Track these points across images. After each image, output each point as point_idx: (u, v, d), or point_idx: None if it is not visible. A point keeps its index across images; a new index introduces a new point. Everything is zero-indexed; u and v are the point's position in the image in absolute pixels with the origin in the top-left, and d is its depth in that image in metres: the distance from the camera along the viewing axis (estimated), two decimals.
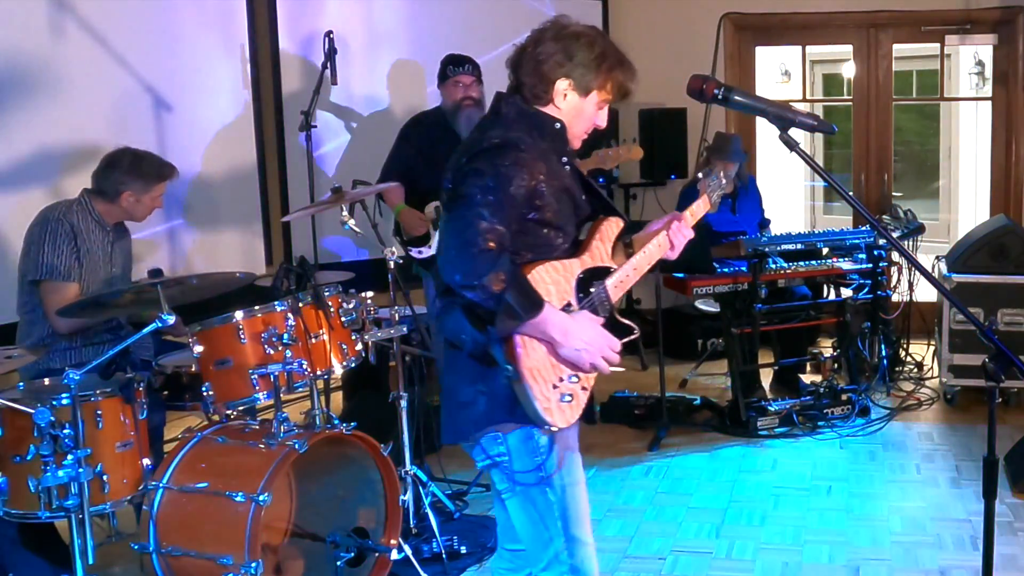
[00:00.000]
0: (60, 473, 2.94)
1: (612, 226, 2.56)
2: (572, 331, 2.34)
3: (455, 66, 4.99)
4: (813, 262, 5.50)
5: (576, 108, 2.49)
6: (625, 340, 2.51)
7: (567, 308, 2.41)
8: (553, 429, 2.40)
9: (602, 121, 2.56)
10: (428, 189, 4.88)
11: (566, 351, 2.35)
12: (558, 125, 2.49)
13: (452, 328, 2.39)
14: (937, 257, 5.95)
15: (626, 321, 2.54)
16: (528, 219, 2.38)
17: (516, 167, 2.33)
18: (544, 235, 2.42)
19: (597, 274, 2.49)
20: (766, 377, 5.88)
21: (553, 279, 2.40)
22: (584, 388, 2.44)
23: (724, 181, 2.81)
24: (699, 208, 2.75)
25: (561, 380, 2.38)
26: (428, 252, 4.92)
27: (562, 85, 2.46)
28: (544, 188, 2.38)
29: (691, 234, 2.63)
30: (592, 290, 2.47)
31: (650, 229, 2.63)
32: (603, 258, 2.52)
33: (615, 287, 2.51)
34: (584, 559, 2.50)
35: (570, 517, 2.48)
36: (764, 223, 6.01)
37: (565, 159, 2.51)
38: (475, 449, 2.49)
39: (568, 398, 2.39)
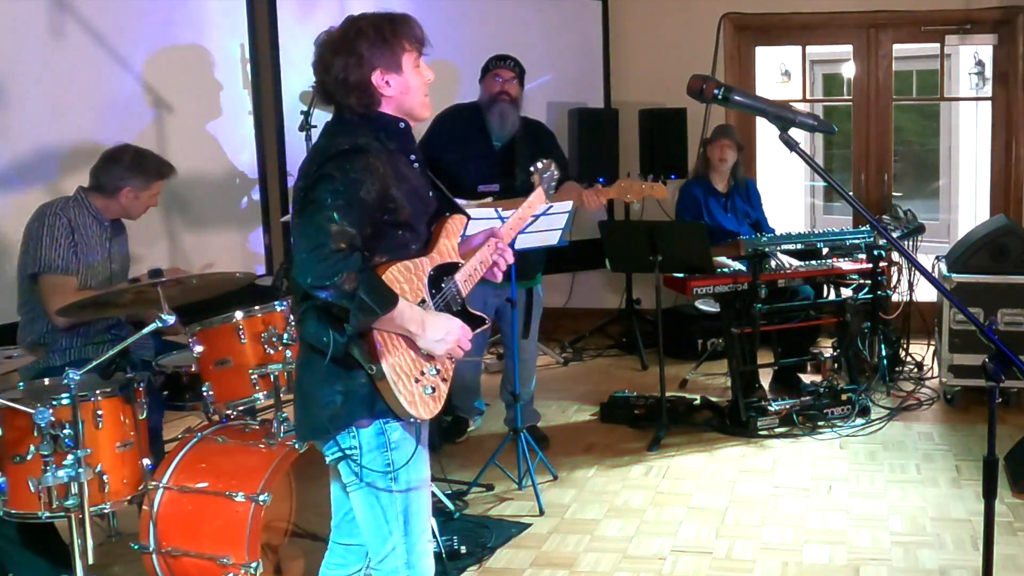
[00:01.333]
0: (60, 473, 2.94)
1: (456, 223, 2.66)
2: (429, 323, 2.45)
3: (498, 60, 4.99)
4: (813, 262, 5.51)
5: (402, 84, 2.51)
6: (477, 331, 2.62)
7: (422, 304, 2.49)
8: (418, 421, 2.49)
9: (429, 75, 2.57)
10: (453, 180, 4.84)
11: (424, 342, 2.44)
12: (402, 125, 2.55)
13: (313, 332, 2.44)
14: (937, 257, 5.94)
15: (477, 312, 2.66)
16: (383, 222, 2.44)
17: (366, 172, 2.38)
18: (399, 237, 2.49)
19: (446, 270, 2.59)
20: (766, 377, 5.88)
21: (406, 278, 2.47)
22: (444, 379, 2.54)
23: (556, 173, 2.93)
24: (536, 200, 2.86)
25: (423, 374, 2.48)
26: None
27: (377, 78, 2.48)
28: (395, 191, 2.44)
29: (511, 259, 2.72)
30: (444, 285, 2.57)
31: (472, 244, 2.70)
32: (450, 254, 2.62)
33: (464, 282, 2.62)
34: (420, 555, 2.58)
35: (411, 513, 2.55)
36: (765, 228, 5.98)
37: (413, 156, 2.58)
38: (328, 443, 2.52)
39: (431, 390, 2.49)
